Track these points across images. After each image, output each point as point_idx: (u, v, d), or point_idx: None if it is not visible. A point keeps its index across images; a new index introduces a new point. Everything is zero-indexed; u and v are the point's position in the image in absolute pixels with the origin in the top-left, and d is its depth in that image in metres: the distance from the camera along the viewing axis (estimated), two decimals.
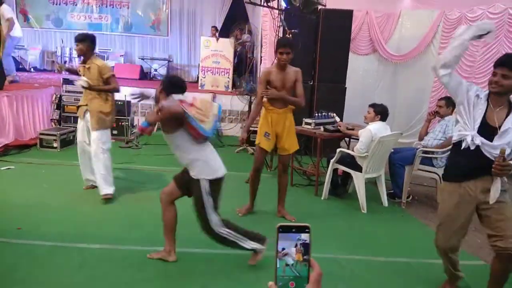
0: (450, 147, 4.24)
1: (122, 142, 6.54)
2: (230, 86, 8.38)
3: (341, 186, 4.62)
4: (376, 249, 3.35)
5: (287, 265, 0.69)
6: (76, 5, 10.93)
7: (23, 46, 10.08)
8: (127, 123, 6.72)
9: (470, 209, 2.35)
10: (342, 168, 4.31)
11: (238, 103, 7.68)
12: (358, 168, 4.11)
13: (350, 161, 4.18)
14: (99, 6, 10.95)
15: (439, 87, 7.11)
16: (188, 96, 2.74)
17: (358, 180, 4.13)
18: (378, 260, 3.15)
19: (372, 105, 4.29)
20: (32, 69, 10.35)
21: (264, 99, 3.64)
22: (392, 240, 3.59)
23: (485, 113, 2.23)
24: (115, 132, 6.80)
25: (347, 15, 6.34)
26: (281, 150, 3.76)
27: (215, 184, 2.68)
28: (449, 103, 4.41)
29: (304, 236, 0.70)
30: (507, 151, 2.13)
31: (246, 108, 7.34)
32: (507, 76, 2.13)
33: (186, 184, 2.77)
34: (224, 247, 2.81)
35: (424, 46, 7.26)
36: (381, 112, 4.17)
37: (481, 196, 2.29)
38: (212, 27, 9.84)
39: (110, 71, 3.96)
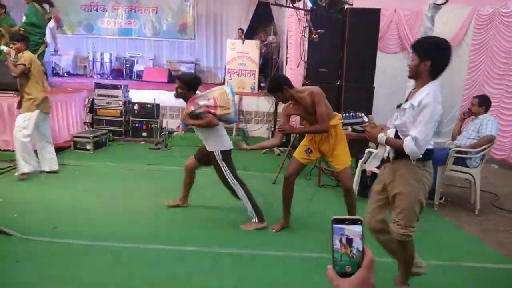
0: (484, 146, 4.14)
1: (151, 144, 6.68)
2: (256, 87, 8.42)
3: (370, 187, 4.54)
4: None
5: (343, 252, 0.77)
6: (106, 11, 11.26)
7: (56, 51, 10.46)
8: (156, 126, 6.86)
9: (379, 188, 2.50)
10: (371, 169, 4.24)
11: (263, 104, 7.70)
12: None
13: (382, 162, 4.10)
14: (128, 11, 11.24)
15: (471, 86, 6.90)
16: (208, 93, 3.57)
17: None
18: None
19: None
20: (65, 74, 10.74)
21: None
22: (424, 242, 3.48)
23: (407, 98, 2.39)
24: (144, 134, 6.98)
25: (375, 13, 6.25)
26: (335, 168, 3.52)
27: (226, 154, 3.58)
28: (481, 102, 4.26)
29: (356, 228, 0.77)
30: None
31: (272, 109, 7.34)
32: (412, 58, 2.28)
33: (204, 157, 3.71)
34: (260, 249, 2.81)
35: (456, 44, 7.05)
36: None
37: (387, 179, 2.40)
38: (239, 29, 9.90)
39: (25, 61, 4.47)
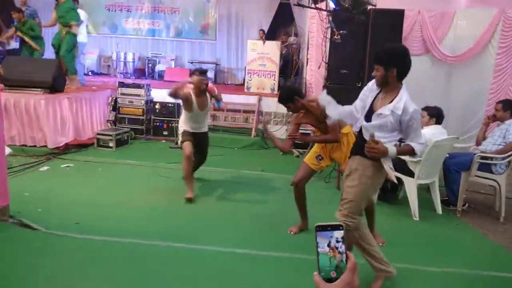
0: (511, 152, 4.02)
1: (172, 142, 6.76)
2: (276, 88, 8.40)
3: (391, 192, 4.47)
4: (429, 258, 3.21)
5: (328, 257, 0.81)
6: (130, 11, 11.46)
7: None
8: (176, 125, 6.92)
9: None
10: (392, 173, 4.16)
11: (283, 106, 7.67)
12: (410, 174, 3.96)
13: (401, 166, 4.04)
14: (151, 12, 11.41)
15: (497, 90, 6.71)
16: None
17: (410, 186, 3.98)
18: (431, 271, 3.01)
19: (425, 108, 4.12)
20: (89, 72, 10.98)
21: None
22: (446, 249, 3.43)
23: (373, 101, 2.51)
24: (165, 133, 7.07)
25: (398, 15, 6.15)
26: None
27: None
28: (506, 107, 4.15)
29: (338, 234, 0.82)
30: (377, 135, 2.37)
31: None
32: (377, 69, 2.42)
33: (198, 142, 4.33)
34: (276, 251, 2.81)
35: (481, 47, 6.87)
36: (435, 115, 4.00)
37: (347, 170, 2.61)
38: (260, 30, 9.92)
39: None
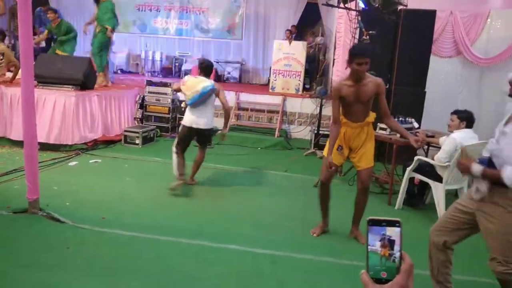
0: None
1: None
2: (301, 88, 8.35)
3: (418, 196, 4.36)
4: (456, 266, 3.10)
5: (378, 255, 0.74)
6: (159, 11, 11.65)
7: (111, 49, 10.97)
8: None
9: (462, 207, 2.33)
10: (419, 177, 4.07)
11: (307, 106, 7.62)
12: (438, 178, 3.85)
13: (429, 170, 3.93)
14: (179, 12, 11.56)
15: None
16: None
17: (438, 191, 3.87)
18: (458, 279, 2.92)
19: (455, 112, 3.99)
20: (118, 71, 11.22)
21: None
22: (474, 257, 3.30)
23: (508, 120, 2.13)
24: None
25: (429, 15, 6.00)
26: (356, 165, 3.38)
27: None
28: None
29: (393, 231, 0.74)
30: None
31: (316, 111, 7.25)
32: None
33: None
34: (300, 253, 2.78)
35: None
36: (466, 119, 3.87)
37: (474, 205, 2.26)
38: (286, 30, 9.87)
39: None
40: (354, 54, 3.02)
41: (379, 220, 0.75)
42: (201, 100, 4.25)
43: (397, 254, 0.73)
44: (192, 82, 4.30)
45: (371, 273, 0.73)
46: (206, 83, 4.25)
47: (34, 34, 7.88)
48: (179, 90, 4.48)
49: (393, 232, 0.74)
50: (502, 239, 2.10)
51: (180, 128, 4.50)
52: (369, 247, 0.74)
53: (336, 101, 3.18)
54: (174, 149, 4.40)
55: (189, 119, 4.32)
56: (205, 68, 4.41)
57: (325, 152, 3.38)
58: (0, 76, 6.34)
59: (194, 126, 4.30)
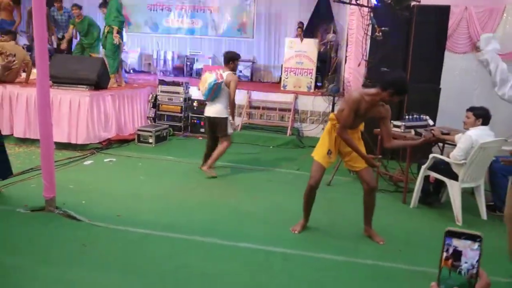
0: None
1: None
2: (313, 86, 8.31)
3: (433, 195, 4.30)
4: (495, 267, 3.07)
5: (453, 270, 0.70)
6: (170, 11, 11.72)
7: (124, 49, 11.08)
8: None
9: None
10: (435, 175, 4.01)
11: (319, 104, 7.58)
12: (454, 176, 3.80)
13: (445, 168, 3.88)
14: (191, 11, 11.61)
15: None
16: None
17: (454, 189, 3.81)
18: None
19: (471, 109, 3.93)
20: (131, 70, 11.33)
21: (332, 116, 3.41)
22: (492, 257, 3.22)
23: None
24: (202, 130, 7.17)
25: (444, 11, 5.91)
26: (353, 168, 3.40)
27: None
28: None
29: (471, 245, 0.70)
30: None
31: (329, 109, 7.21)
32: None
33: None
34: (312, 251, 2.78)
35: None
36: (482, 116, 3.80)
37: None
38: (298, 27, 9.82)
39: None
40: (401, 92, 3.00)
41: (458, 232, 0.72)
42: (210, 94, 4.68)
43: (469, 268, 0.69)
44: (204, 78, 4.75)
45: (442, 286, 0.71)
46: (211, 78, 4.63)
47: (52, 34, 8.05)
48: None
49: (473, 246, 0.70)
50: None
51: None
52: (444, 258, 0.71)
53: (352, 112, 3.10)
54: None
55: (205, 110, 4.88)
56: (224, 58, 4.92)
57: (316, 155, 3.37)
58: (16, 76, 6.44)
59: (206, 114, 4.84)
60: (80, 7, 7.30)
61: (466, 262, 0.69)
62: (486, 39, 2.30)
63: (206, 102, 4.90)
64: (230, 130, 4.87)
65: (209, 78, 4.63)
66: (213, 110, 4.75)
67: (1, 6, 7.67)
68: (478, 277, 0.69)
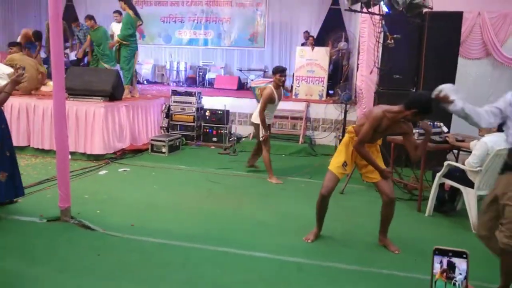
0: None
1: (221, 148, 6.89)
2: (324, 94, 8.31)
3: (449, 203, 4.23)
4: (489, 275, 2.99)
5: (448, 282, 0.73)
6: (183, 22, 11.91)
7: (138, 61, 11.26)
8: (225, 131, 7.07)
9: (489, 199, 2.58)
10: (450, 182, 3.95)
11: (331, 112, 7.57)
12: (469, 184, 3.73)
13: (460, 176, 3.82)
14: (203, 23, 11.78)
15: None
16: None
17: (469, 197, 3.75)
18: (478, 285, 2.81)
19: None
20: (145, 81, 11.51)
21: (350, 129, 3.39)
22: (491, 263, 3.17)
23: None
24: (214, 139, 7.23)
25: (456, 17, 5.88)
26: (371, 179, 3.36)
27: None
28: None
29: (458, 262, 0.73)
30: None
31: (341, 117, 7.19)
32: None
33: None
34: (328, 261, 2.78)
35: None
36: None
37: (500, 190, 2.43)
38: (310, 36, 9.86)
39: None
40: (425, 112, 2.95)
41: (445, 250, 0.75)
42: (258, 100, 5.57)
43: (462, 280, 0.73)
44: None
45: None
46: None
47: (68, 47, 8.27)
48: None
49: (460, 263, 0.73)
50: None
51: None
52: (434, 273, 0.75)
53: (372, 129, 3.07)
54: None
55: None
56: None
57: (331, 165, 3.37)
58: (36, 89, 6.58)
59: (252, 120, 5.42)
60: (91, 17, 7.44)
61: (460, 274, 0.71)
62: (451, 91, 2.38)
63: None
64: (260, 135, 5.19)
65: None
66: (254, 115, 5.34)
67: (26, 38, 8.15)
68: None
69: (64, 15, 3.92)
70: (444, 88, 2.49)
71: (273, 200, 4.49)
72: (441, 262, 0.71)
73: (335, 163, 3.36)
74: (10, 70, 5.49)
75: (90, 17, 7.44)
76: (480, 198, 3.82)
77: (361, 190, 4.90)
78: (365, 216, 3.86)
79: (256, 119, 5.21)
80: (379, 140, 3.36)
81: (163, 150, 6.32)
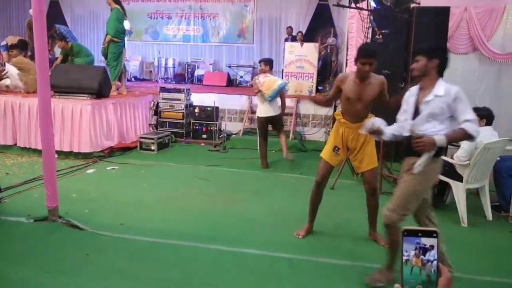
0: None
1: (211, 145, 6.85)
2: (314, 90, 8.31)
3: (438, 196, 4.27)
4: (479, 267, 3.03)
5: (413, 267, 0.71)
6: (170, 18, 11.78)
7: (126, 57, 11.12)
8: (215, 128, 7.03)
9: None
10: (439, 176, 3.98)
11: (321, 108, 7.56)
12: (458, 177, 3.77)
13: (449, 169, 3.85)
14: (191, 19, 11.67)
15: None
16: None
17: (458, 191, 3.79)
18: (483, 280, 2.85)
19: (474, 109, 3.88)
20: (132, 78, 11.37)
21: (337, 112, 3.39)
22: (498, 258, 3.22)
23: (416, 101, 2.58)
24: (204, 136, 7.18)
25: (443, 12, 5.92)
26: (357, 168, 3.40)
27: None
28: None
29: (426, 241, 0.71)
30: (428, 128, 2.46)
31: (330, 113, 7.20)
32: (418, 60, 2.56)
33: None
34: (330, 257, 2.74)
35: None
36: (485, 116, 3.79)
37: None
38: (298, 32, 9.85)
39: None
40: (359, 54, 3.06)
41: (415, 230, 0.73)
42: (276, 95, 5.37)
43: (434, 265, 0.70)
44: (269, 82, 5.32)
45: (407, 287, 0.71)
46: (279, 81, 5.44)
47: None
48: (259, 91, 5.35)
49: (428, 242, 0.71)
50: (402, 194, 2.58)
51: (257, 121, 5.75)
52: (403, 257, 0.72)
53: (334, 89, 3.29)
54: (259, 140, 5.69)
55: (264, 111, 5.48)
56: (271, 64, 5.65)
57: (323, 153, 3.39)
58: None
59: (268, 114, 5.46)
60: (62, 38, 7.13)
61: (430, 260, 0.70)
62: (381, 123, 2.69)
63: (262, 103, 5.49)
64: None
65: (276, 81, 5.38)
66: (273, 109, 5.47)
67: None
68: (440, 273, 0.70)
69: (48, 12, 3.83)
70: (374, 122, 2.68)
71: (264, 196, 4.48)
72: (416, 248, 0.70)
73: (325, 150, 3.37)
74: (16, 71, 6.05)
75: (61, 38, 7.19)
76: (469, 192, 3.87)
77: (351, 185, 4.92)
78: (356, 211, 3.87)
79: (279, 110, 5.57)
80: (364, 113, 3.20)
81: (152, 147, 6.26)
